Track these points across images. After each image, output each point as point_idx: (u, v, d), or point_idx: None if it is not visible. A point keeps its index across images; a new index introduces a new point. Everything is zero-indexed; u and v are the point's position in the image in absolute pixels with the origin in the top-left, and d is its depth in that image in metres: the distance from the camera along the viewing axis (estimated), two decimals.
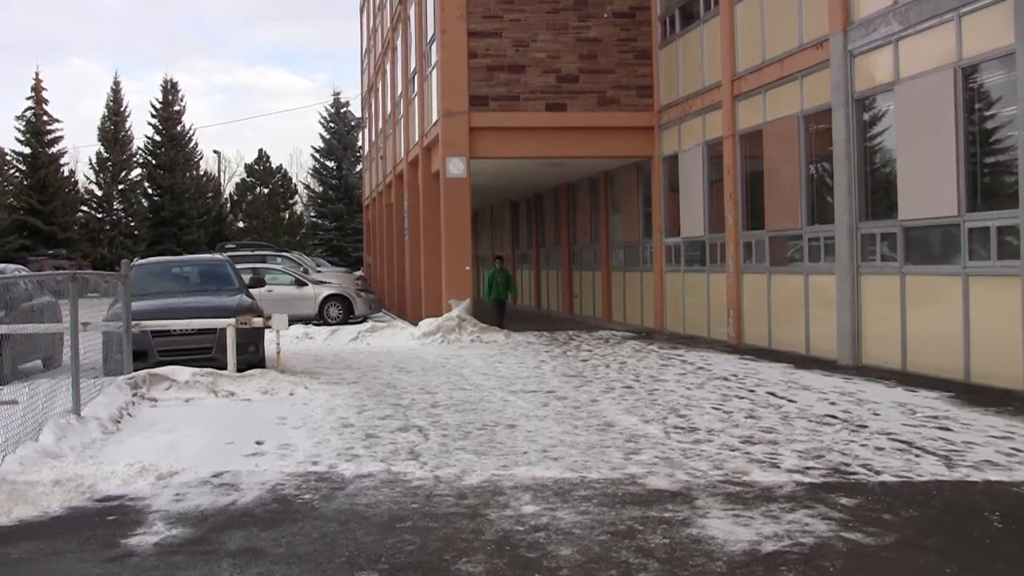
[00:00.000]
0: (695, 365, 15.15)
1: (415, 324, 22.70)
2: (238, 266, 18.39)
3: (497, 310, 23.06)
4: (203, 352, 14.08)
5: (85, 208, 64.14)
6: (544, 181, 29.22)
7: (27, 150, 61.47)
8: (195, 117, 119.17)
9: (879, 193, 14.60)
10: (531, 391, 12.60)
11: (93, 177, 64.53)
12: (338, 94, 75.07)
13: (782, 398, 11.52)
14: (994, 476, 7.36)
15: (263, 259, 30.53)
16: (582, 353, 17.55)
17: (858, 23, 14.73)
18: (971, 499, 6.75)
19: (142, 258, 19.93)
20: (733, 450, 8.52)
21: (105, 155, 64.23)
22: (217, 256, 18.48)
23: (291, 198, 72.29)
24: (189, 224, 64.12)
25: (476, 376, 14.43)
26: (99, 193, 64.31)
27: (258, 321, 14.02)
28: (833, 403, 11.05)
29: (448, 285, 22.14)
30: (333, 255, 63.52)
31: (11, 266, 17.34)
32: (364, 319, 27.00)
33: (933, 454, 8.18)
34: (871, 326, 14.56)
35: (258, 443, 9.26)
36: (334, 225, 66.99)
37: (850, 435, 9.10)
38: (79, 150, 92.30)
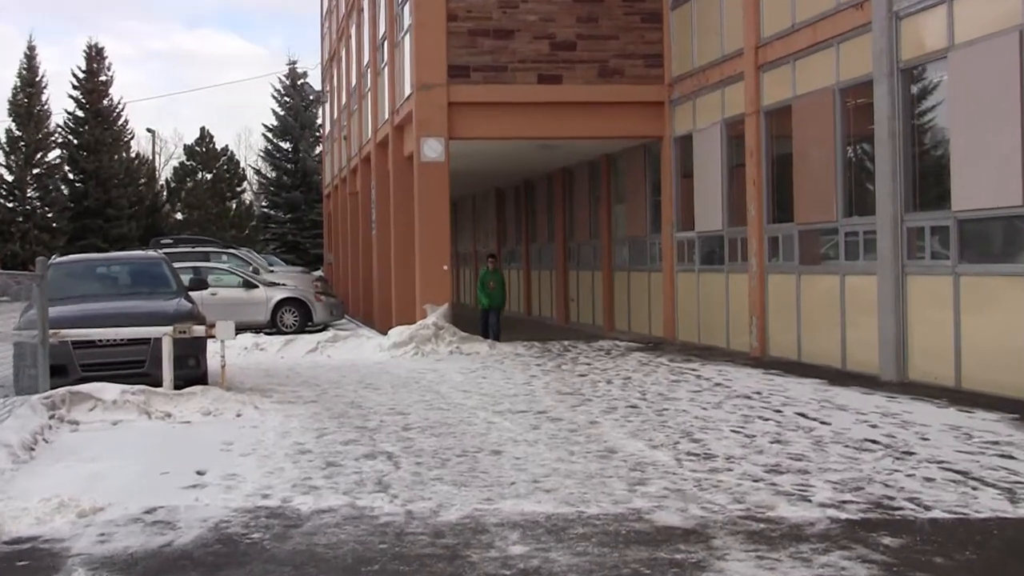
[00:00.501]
0: (712, 381, 15.18)
1: (384, 333, 22.67)
2: (176, 265, 18.34)
3: (490, 321, 22.95)
4: (134, 366, 14.04)
5: None
6: (535, 166, 29.26)
7: None
8: (125, 89, 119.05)
9: (929, 180, 14.66)
10: (520, 411, 12.62)
11: (3, 159, 64.27)
12: (295, 63, 74.95)
13: (814, 420, 11.53)
14: None
15: (206, 257, 30.51)
16: (579, 367, 17.56)
17: None
18: None
19: (61, 255, 19.88)
20: (756, 480, 8.53)
21: (17, 133, 63.86)
22: (151, 254, 18.43)
23: (239, 185, 72.31)
24: (118, 216, 63.95)
25: (455, 394, 14.44)
26: (9, 179, 63.82)
27: (199, 329, 14.00)
28: (874, 426, 11.08)
29: (423, 287, 22.14)
30: (288, 252, 63.48)
31: None
32: (324, 327, 26.99)
33: (993, 486, 8.20)
34: (919, 335, 14.62)
35: (199, 473, 9.25)
36: (289, 217, 66.94)
37: (894, 463, 9.12)
38: None
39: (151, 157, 73.26)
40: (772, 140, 18.74)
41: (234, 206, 71.03)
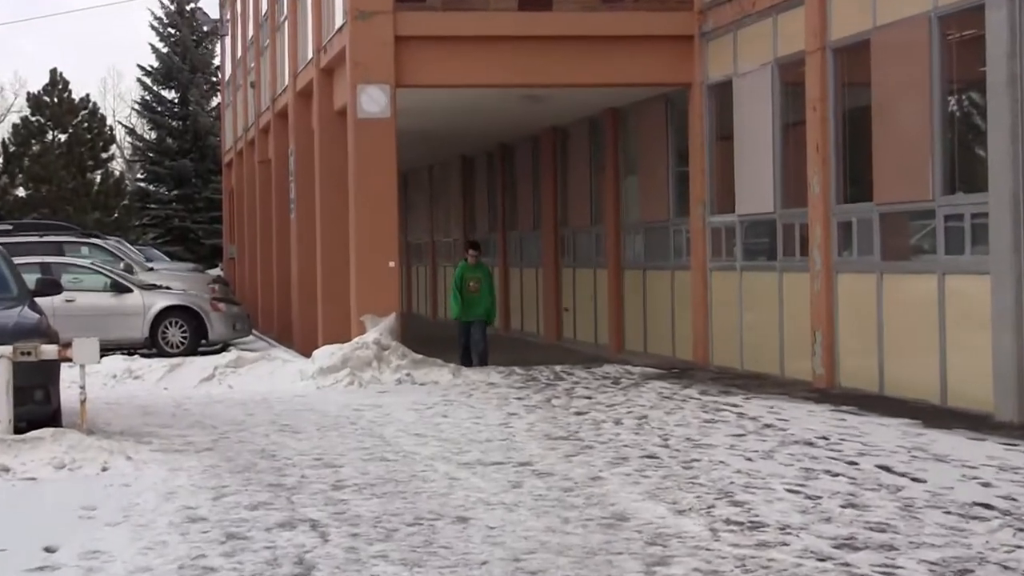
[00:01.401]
0: (760, 421, 15.17)
1: (307, 355, 22.58)
2: (17, 261, 18.20)
3: (473, 337, 22.53)
4: None
5: None
6: (516, 125, 29.26)
7: None
8: None
9: None
10: (494, 463, 12.58)
11: None
12: None
13: (902, 475, 11.53)
14: None
15: (59, 249, 30.30)
16: (577, 401, 17.53)
17: None
18: None
19: None
20: (822, 560, 8.52)
21: None
22: None
23: (105, 150, 71.91)
24: None
25: (405, 439, 14.40)
26: None
27: (50, 350, 13.88)
28: (987, 484, 11.07)
29: (361, 292, 22.09)
30: (174, 243, 63.33)
31: None
32: (224, 347, 26.88)
33: None
34: None
35: (48, 551, 9.16)
36: (176, 194, 66.78)
37: (1015, 536, 9.12)
38: None
39: None
40: (843, 89, 18.75)
41: (98, 179, 70.64)
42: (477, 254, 23.47)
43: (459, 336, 22.93)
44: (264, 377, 21.17)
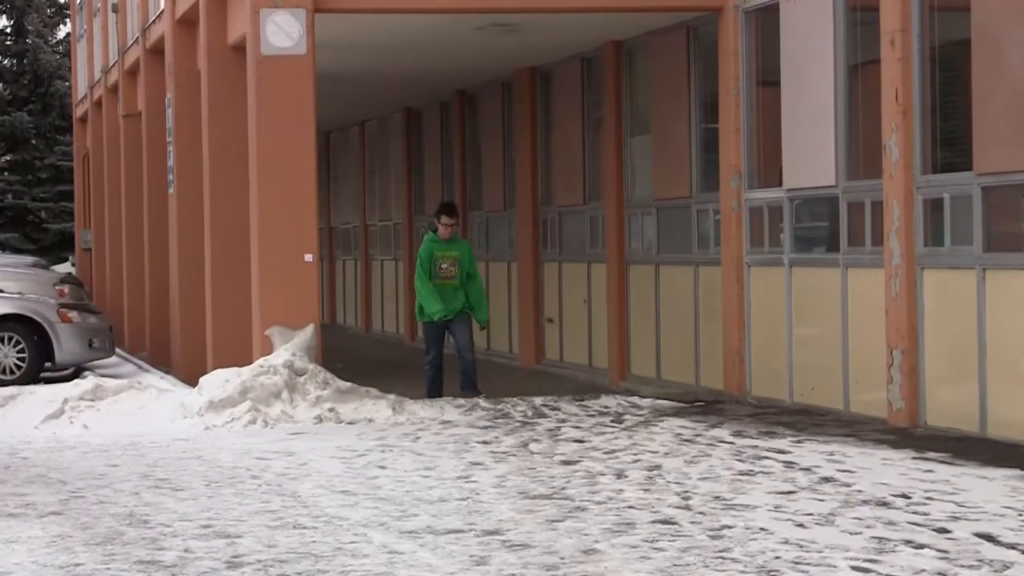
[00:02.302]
0: (816, 474, 15.19)
1: (192, 384, 22.54)
2: None
3: (458, 345, 22.07)
4: None
5: None
6: (480, 65, 29.31)
7: None
8: None
9: None
10: (451, 532, 12.58)
11: None
12: None
13: (1011, 547, 11.55)
14: None
15: None
16: (564, 446, 17.55)
17: None
18: None
19: None
20: None
21: None
22: None
23: None
24: None
25: (328, 498, 14.40)
26: None
27: None
28: None
29: (266, 297, 22.09)
30: (7, 228, 63.21)
31: None
32: (77, 371, 26.80)
33: None
34: None
35: None
36: (8, 160, 66.63)
37: None
38: None
39: None
40: (933, 15, 18.78)
41: None
42: (453, 222, 23.04)
43: (427, 346, 22.57)
44: (133, 413, 21.11)
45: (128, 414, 21.10)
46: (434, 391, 22.04)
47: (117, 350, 30.76)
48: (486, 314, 23.23)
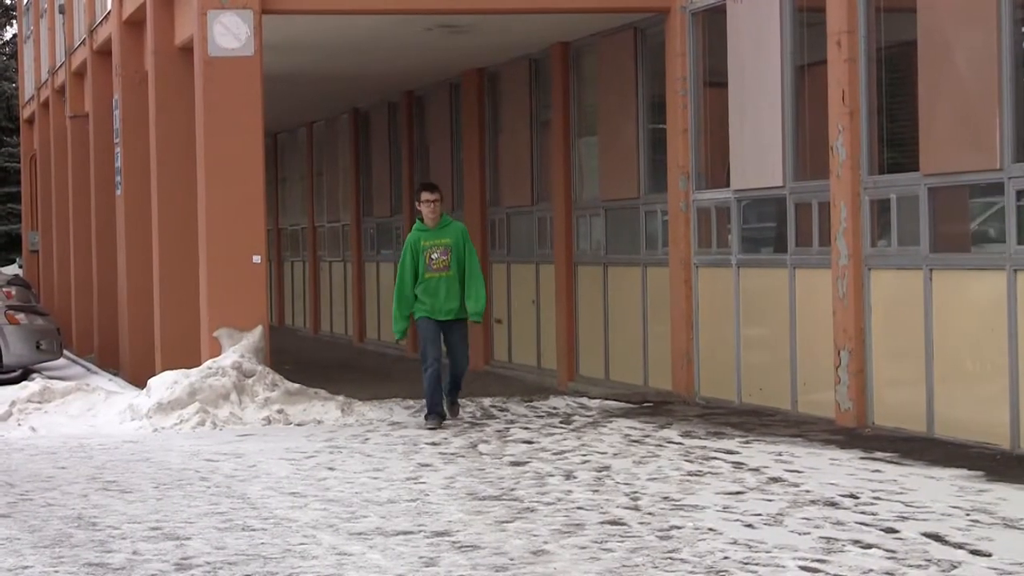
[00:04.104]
0: (765, 474, 15.22)
1: (140, 386, 22.46)
2: None
3: (452, 348, 20.21)
4: None
5: None
6: (428, 66, 29.27)
7: None
8: None
9: None
10: (400, 533, 12.59)
11: None
12: None
13: (958, 546, 11.57)
14: None
15: None
16: (513, 447, 17.59)
17: None
18: None
19: None
20: None
21: None
22: None
23: None
24: None
25: (277, 500, 14.40)
26: None
27: None
28: None
29: (214, 298, 22.01)
30: None
31: None
32: (24, 373, 26.72)
33: None
34: None
35: None
36: None
37: None
38: None
39: None
40: (879, 16, 18.82)
41: None
42: (435, 197, 20.25)
43: (423, 350, 20.19)
44: (81, 416, 21.06)
45: (76, 416, 21.04)
46: (435, 403, 19.86)
47: (65, 352, 30.66)
48: (482, 307, 20.34)
